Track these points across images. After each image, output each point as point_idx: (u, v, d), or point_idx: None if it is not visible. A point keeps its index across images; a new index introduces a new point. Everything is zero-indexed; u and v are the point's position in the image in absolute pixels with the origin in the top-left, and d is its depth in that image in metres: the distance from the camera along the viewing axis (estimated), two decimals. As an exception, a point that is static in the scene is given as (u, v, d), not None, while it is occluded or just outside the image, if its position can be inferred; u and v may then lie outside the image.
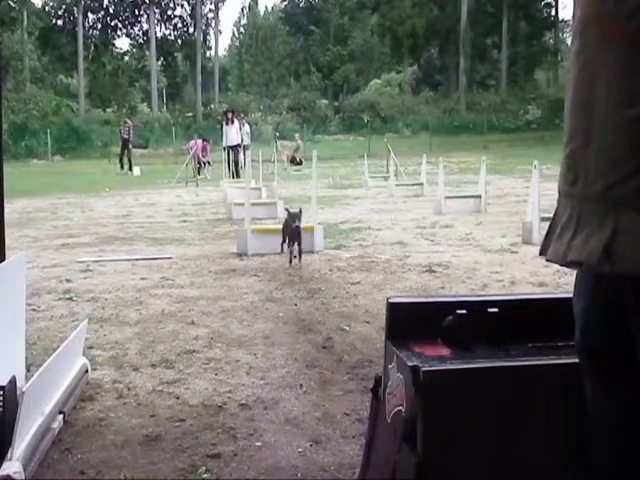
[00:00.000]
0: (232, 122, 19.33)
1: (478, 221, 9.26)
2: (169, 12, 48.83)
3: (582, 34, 0.87)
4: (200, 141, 21.96)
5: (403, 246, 7.31)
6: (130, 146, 24.34)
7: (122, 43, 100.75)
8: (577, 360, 1.05)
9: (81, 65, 43.60)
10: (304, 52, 52.60)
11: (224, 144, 18.70)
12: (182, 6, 48.90)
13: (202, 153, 21.58)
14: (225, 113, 21.00)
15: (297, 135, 27.95)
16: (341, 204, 12.00)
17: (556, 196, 1.10)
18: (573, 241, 0.85)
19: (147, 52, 47.13)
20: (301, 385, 3.27)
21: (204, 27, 49.96)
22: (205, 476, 2.41)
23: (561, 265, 0.89)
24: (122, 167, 23.46)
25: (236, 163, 18.44)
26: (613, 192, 0.82)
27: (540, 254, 0.94)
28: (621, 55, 0.82)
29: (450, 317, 1.21)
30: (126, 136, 23.95)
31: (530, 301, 1.40)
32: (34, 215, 11.29)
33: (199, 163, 20.73)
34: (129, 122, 25.01)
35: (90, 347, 3.81)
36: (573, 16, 0.93)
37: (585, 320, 0.88)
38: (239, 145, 18.94)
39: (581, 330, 0.89)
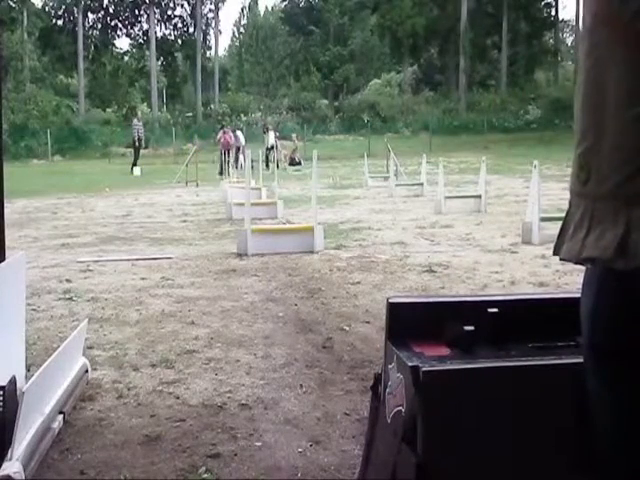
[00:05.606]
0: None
1: (478, 221, 9.25)
2: (169, 12, 48.80)
3: (591, 35, 0.89)
4: (230, 133, 21.72)
5: (403, 246, 7.31)
6: (141, 145, 23.61)
7: (122, 43, 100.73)
8: (577, 360, 1.05)
9: (81, 65, 43.56)
10: (304, 52, 52.54)
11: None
12: (182, 6, 48.91)
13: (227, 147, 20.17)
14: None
15: (294, 135, 27.46)
16: (341, 204, 12.00)
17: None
18: (587, 239, 0.88)
19: (147, 52, 47.08)
20: (301, 385, 3.27)
21: (204, 27, 49.93)
22: (205, 476, 2.41)
23: (575, 263, 0.91)
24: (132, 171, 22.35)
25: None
26: (625, 189, 0.84)
27: (554, 253, 0.96)
28: (627, 56, 0.84)
29: (450, 317, 1.21)
30: (138, 136, 23.24)
31: (530, 301, 1.40)
32: (34, 215, 11.29)
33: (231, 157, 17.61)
34: (139, 122, 24.14)
35: (90, 347, 3.81)
36: (582, 17, 0.94)
37: (594, 318, 0.88)
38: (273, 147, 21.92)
39: (590, 329, 0.89)
